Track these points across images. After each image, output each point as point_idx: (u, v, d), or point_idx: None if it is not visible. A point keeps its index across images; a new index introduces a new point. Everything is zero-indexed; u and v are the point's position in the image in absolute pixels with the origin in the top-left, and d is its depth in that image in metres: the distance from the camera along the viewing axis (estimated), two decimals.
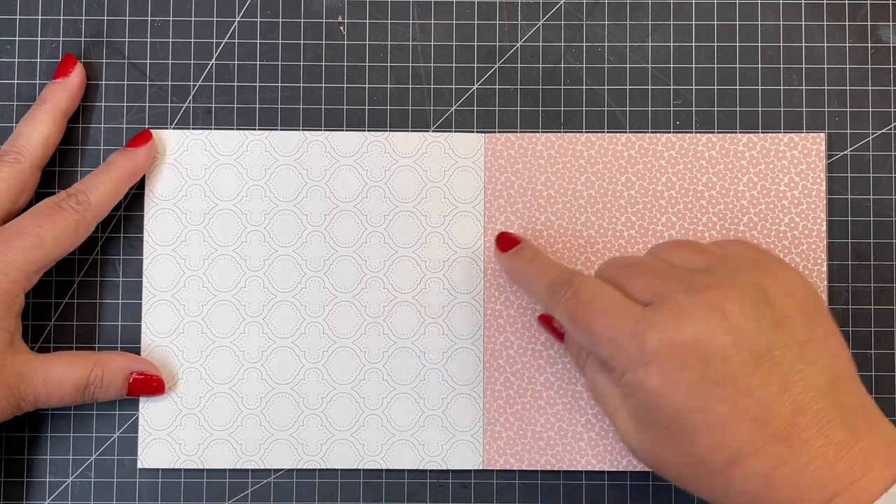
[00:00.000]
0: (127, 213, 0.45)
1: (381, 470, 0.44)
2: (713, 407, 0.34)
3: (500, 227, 0.45)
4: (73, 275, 0.45)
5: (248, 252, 0.44)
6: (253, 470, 0.44)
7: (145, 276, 0.44)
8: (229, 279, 0.44)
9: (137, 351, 0.44)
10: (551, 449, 0.44)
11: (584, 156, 0.44)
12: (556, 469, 0.43)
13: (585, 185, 0.44)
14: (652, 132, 0.45)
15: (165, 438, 0.44)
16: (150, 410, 0.44)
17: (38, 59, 0.45)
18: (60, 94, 0.43)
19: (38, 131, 0.42)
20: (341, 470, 0.44)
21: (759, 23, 0.45)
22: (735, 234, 0.44)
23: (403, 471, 0.44)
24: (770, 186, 0.44)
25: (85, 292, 0.45)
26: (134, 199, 0.45)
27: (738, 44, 0.45)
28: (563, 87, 0.45)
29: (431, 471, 0.44)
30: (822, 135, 0.44)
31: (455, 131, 0.45)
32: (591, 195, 0.44)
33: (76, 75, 0.44)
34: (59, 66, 0.44)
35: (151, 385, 0.43)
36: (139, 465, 0.44)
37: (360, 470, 0.45)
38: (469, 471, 0.44)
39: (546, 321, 0.43)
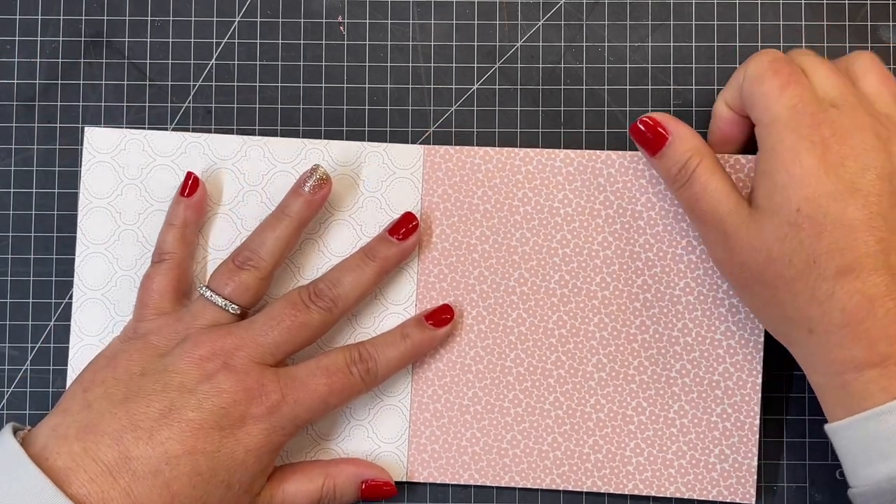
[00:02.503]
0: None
1: None
2: (850, 210, 0.34)
3: (435, 239, 0.44)
4: (73, 276, 0.45)
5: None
6: None
7: (77, 275, 0.44)
8: None
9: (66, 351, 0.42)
10: (476, 464, 0.43)
11: (521, 171, 0.44)
12: (480, 484, 0.43)
13: (522, 201, 0.44)
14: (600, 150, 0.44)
15: None
16: None
17: (38, 59, 0.45)
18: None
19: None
20: None
21: (759, 23, 0.45)
22: (672, 257, 0.43)
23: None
24: None
25: None
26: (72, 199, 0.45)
27: (738, 44, 0.45)
28: (563, 87, 0.45)
29: None
30: None
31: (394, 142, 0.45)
32: (528, 211, 0.43)
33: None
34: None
35: (383, 490, 0.42)
36: None
37: None
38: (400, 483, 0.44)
39: (639, 129, 0.40)
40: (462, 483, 0.43)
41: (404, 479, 0.44)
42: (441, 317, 0.43)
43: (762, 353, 0.42)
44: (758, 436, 0.42)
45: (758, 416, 0.42)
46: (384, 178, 0.44)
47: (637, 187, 0.43)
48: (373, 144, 0.44)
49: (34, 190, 0.45)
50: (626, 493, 0.43)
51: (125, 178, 0.44)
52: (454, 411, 0.44)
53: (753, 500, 0.42)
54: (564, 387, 0.43)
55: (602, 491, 0.43)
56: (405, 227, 0.42)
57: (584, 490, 0.43)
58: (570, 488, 0.43)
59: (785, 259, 0.36)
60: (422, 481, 0.44)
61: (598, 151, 0.43)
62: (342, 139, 0.45)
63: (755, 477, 0.42)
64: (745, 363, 0.43)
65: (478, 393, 0.43)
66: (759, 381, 0.42)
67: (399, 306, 0.44)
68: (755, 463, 0.42)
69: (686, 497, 0.43)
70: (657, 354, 0.43)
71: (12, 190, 0.45)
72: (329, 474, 0.41)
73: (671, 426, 0.43)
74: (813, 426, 0.44)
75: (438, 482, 0.44)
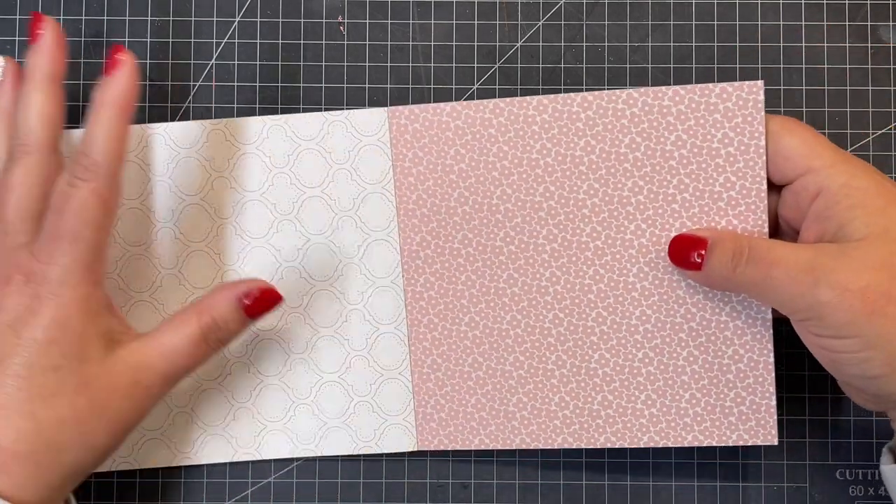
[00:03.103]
0: None
1: (381, 471, 0.44)
2: None
3: (413, 206, 0.42)
4: None
5: (160, 251, 0.43)
6: (253, 467, 0.44)
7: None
8: (143, 280, 0.44)
9: None
10: (484, 429, 0.42)
11: (493, 124, 0.41)
12: (490, 448, 0.43)
13: (498, 156, 0.41)
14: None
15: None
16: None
17: None
18: (40, 61, 0.39)
19: (33, 111, 0.38)
20: (341, 464, 0.44)
21: (759, 23, 0.45)
22: (663, 198, 0.40)
23: (403, 469, 0.44)
24: (701, 144, 0.40)
25: None
26: None
27: (738, 44, 0.45)
28: (563, 87, 0.45)
29: (365, 456, 0.44)
30: (760, 83, 0.39)
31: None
32: (505, 166, 0.41)
33: (48, 35, 0.39)
34: (29, 28, 0.39)
35: (265, 297, 0.39)
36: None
37: (359, 471, 0.45)
38: (412, 455, 0.44)
39: (674, 247, 0.39)
40: (472, 448, 0.43)
41: (415, 449, 0.43)
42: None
43: None
44: (773, 374, 0.40)
45: (771, 354, 0.40)
46: (351, 147, 0.43)
47: (619, 128, 0.40)
48: (334, 113, 0.43)
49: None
50: (642, 446, 0.41)
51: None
52: (456, 379, 0.43)
53: (776, 440, 0.40)
54: (566, 344, 0.42)
55: (616, 446, 0.42)
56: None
57: (598, 446, 0.42)
58: (583, 446, 0.42)
59: None
60: (433, 449, 0.43)
61: (573, 94, 0.41)
62: None
63: (775, 417, 0.40)
64: (753, 300, 0.40)
65: (477, 359, 0.43)
66: (769, 316, 0.40)
67: (386, 279, 0.43)
68: (773, 402, 0.40)
69: (705, 444, 0.41)
70: (659, 301, 0.41)
71: None
72: (202, 309, 0.39)
73: (682, 374, 0.41)
74: (813, 426, 0.44)
75: (449, 449, 0.43)
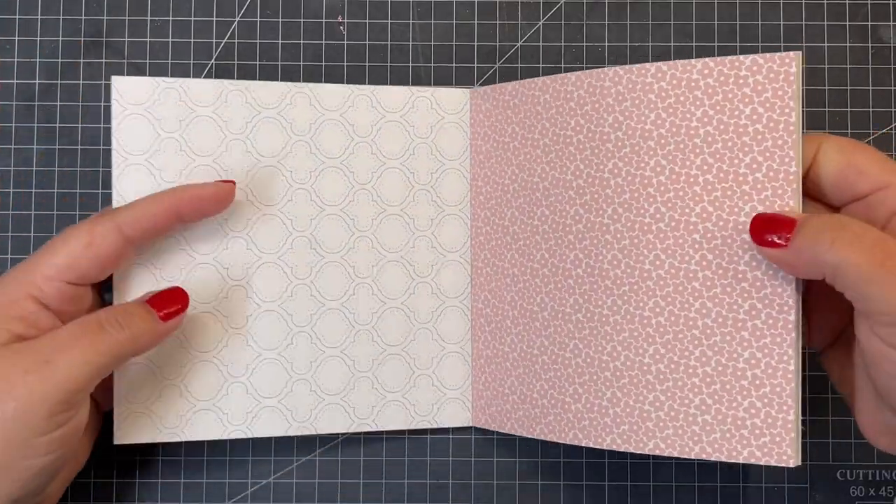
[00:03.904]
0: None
1: (381, 471, 0.44)
2: None
3: (481, 182, 0.43)
4: None
5: (229, 212, 0.41)
6: (253, 467, 0.44)
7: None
8: (210, 243, 0.42)
9: None
10: (545, 417, 0.41)
11: (573, 97, 0.40)
12: (547, 440, 0.41)
13: (574, 130, 0.40)
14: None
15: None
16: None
17: (38, 59, 0.45)
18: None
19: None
20: (341, 464, 0.44)
21: (760, 23, 0.45)
22: (685, 178, 0.37)
23: (403, 470, 0.44)
24: (728, 120, 0.36)
25: None
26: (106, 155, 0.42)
27: (738, 44, 0.45)
28: None
29: (426, 430, 0.44)
30: (793, 54, 0.35)
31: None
32: (580, 140, 0.40)
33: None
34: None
35: (169, 296, 0.39)
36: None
37: (359, 471, 0.45)
38: (467, 434, 0.44)
39: (758, 225, 0.35)
40: (534, 437, 0.41)
41: (469, 425, 0.43)
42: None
43: (794, 285, 0.35)
44: (793, 385, 0.35)
45: (792, 361, 0.35)
46: (433, 123, 0.44)
47: (691, 100, 0.37)
48: (420, 88, 0.44)
49: (34, 190, 0.45)
50: (647, 452, 0.38)
51: (162, 132, 0.41)
52: (526, 361, 0.42)
53: (791, 461, 0.35)
54: (621, 335, 0.38)
55: (665, 454, 0.38)
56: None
57: (646, 452, 0.38)
58: (631, 450, 0.38)
59: None
60: (481, 425, 0.43)
61: (647, 64, 0.38)
62: None
63: (793, 434, 0.35)
64: (775, 297, 0.36)
65: (544, 342, 0.41)
66: (792, 317, 0.35)
67: (455, 253, 0.44)
68: (792, 416, 0.35)
69: (713, 459, 0.36)
70: (674, 293, 0.37)
71: (12, 190, 0.45)
72: (107, 308, 0.38)
73: (741, 378, 0.36)
74: (812, 426, 0.44)
75: (498, 429, 0.43)
